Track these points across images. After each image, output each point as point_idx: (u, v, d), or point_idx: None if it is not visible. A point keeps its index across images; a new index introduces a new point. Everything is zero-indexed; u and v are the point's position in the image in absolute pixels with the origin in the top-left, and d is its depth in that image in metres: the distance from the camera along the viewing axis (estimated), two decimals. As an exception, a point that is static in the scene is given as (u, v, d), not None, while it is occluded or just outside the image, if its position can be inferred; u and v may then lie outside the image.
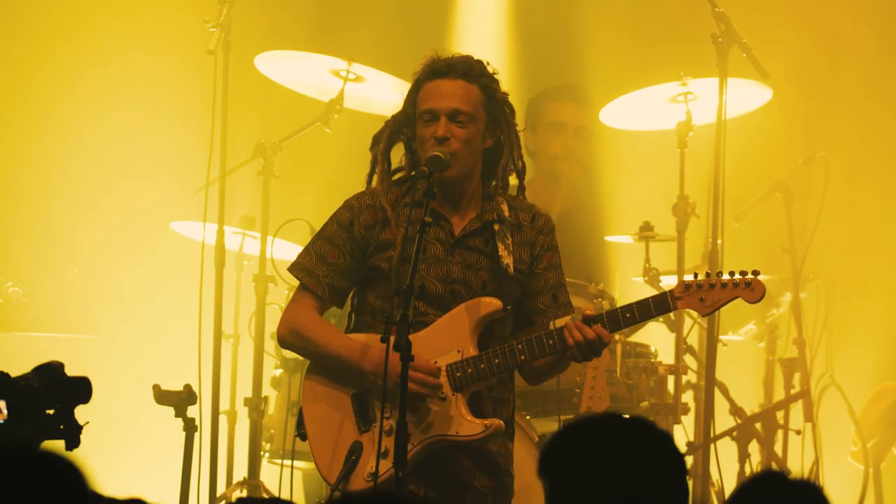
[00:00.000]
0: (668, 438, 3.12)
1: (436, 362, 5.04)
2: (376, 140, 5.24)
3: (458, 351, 5.05)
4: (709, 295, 5.03)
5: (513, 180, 5.29)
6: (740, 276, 5.03)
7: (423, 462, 5.03)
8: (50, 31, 8.97)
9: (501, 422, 5.04)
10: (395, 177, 5.23)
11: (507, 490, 5.17)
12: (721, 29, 6.69)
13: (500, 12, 9.31)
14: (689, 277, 5.11)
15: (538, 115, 7.96)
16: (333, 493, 5.07)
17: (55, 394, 3.91)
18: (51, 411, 3.89)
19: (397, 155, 5.27)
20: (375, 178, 5.23)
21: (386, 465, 4.99)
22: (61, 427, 3.84)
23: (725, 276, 5.04)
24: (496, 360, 5.03)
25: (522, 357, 5.01)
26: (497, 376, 5.07)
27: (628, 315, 5.00)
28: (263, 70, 7.52)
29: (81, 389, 3.94)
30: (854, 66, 8.89)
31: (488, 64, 5.20)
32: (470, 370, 5.03)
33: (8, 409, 3.83)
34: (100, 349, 8.57)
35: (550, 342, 5.01)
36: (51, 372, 3.90)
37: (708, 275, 5.06)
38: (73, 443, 3.85)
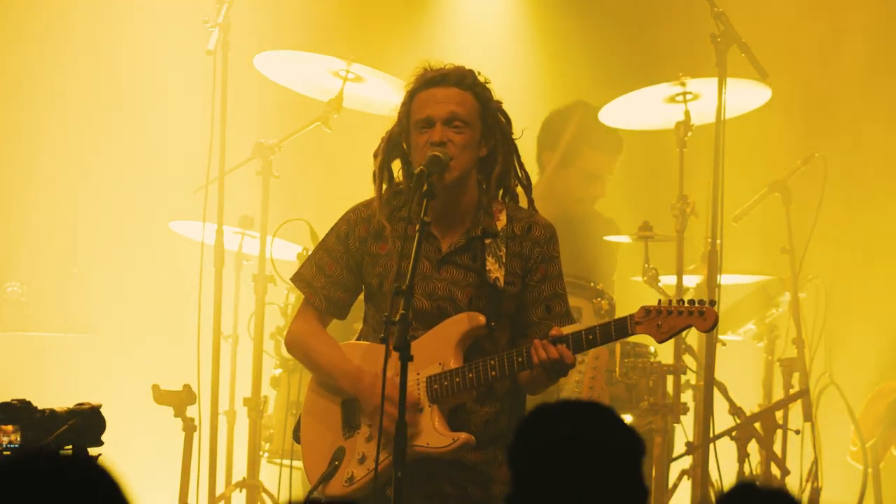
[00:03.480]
0: (622, 424, 3.15)
1: (418, 373, 5.06)
2: (377, 155, 5.26)
3: (440, 363, 5.08)
4: (665, 321, 5.06)
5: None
6: (695, 305, 5.05)
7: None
8: (49, 30, 8.97)
9: (471, 436, 5.04)
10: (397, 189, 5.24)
11: (493, 498, 5.17)
12: (720, 29, 6.69)
13: (500, 13, 9.32)
14: (671, 289, 5.13)
15: (573, 155, 7.91)
16: (311, 494, 5.11)
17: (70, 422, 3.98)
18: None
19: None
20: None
21: (362, 471, 5.06)
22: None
23: (682, 304, 5.06)
24: (470, 375, 5.06)
25: (493, 373, 5.04)
26: (474, 390, 5.08)
27: (591, 337, 5.02)
28: (263, 70, 7.52)
29: (93, 421, 4.02)
30: (853, 66, 8.89)
31: (479, 73, 5.21)
32: (447, 383, 5.06)
33: (22, 434, 3.90)
34: (99, 349, 8.58)
35: (519, 360, 5.02)
36: (82, 409, 3.98)
37: (669, 301, 5.09)
38: None
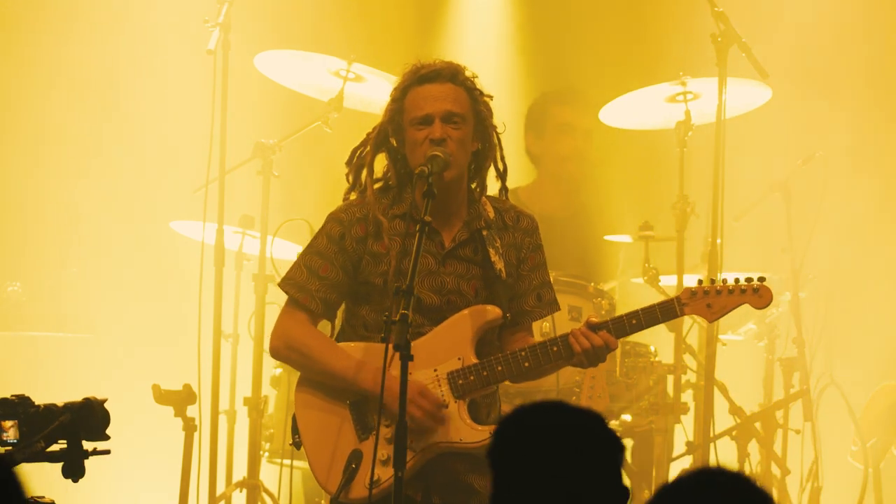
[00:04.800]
0: (600, 420, 3.16)
1: (436, 369, 5.05)
2: (357, 153, 5.24)
3: (459, 358, 5.06)
4: (716, 301, 5.04)
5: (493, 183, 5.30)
6: (747, 283, 5.03)
7: (423, 469, 5.03)
8: (49, 29, 8.97)
9: None
10: (376, 186, 5.22)
11: None
12: (720, 28, 6.70)
13: (500, 12, 9.32)
14: (694, 283, 5.13)
15: (544, 118, 7.99)
16: (336, 500, 5.06)
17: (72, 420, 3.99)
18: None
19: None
20: (354, 193, 5.24)
21: (387, 473, 4.98)
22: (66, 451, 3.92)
23: (731, 282, 5.04)
24: (499, 368, 5.04)
25: (527, 364, 5.03)
26: (498, 383, 5.09)
27: (634, 322, 5.02)
28: (263, 70, 7.52)
29: (89, 416, 4.02)
30: (854, 66, 8.88)
31: (466, 69, 5.21)
32: (472, 378, 5.04)
33: (20, 429, 3.91)
34: (99, 348, 8.57)
35: (555, 349, 5.02)
36: (74, 404, 3.99)
37: (713, 281, 5.06)
38: (73, 470, 3.93)
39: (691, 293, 5.05)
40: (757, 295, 5.04)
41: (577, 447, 3.10)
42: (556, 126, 7.99)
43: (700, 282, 5.09)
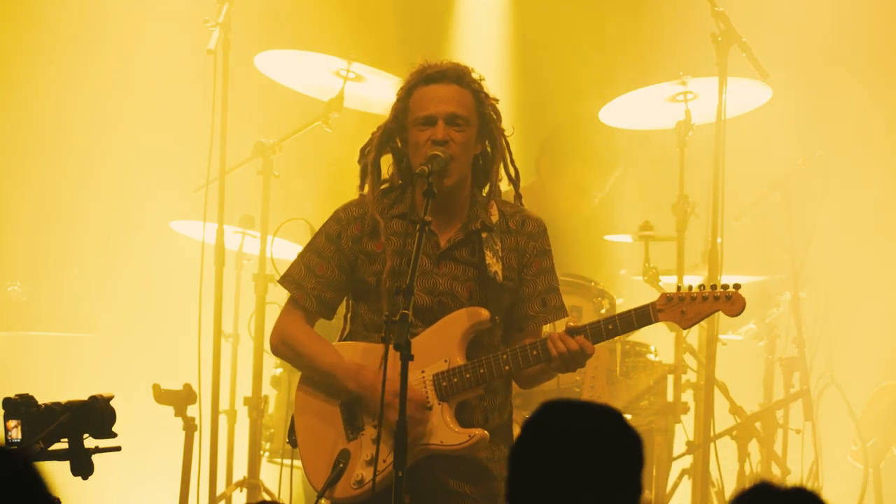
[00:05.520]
0: (620, 418, 3.16)
1: (423, 371, 5.05)
2: (365, 151, 5.24)
3: (445, 360, 5.07)
4: (690, 308, 5.05)
5: (505, 186, 5.29)
6: (721, 290, 5.04)
7: (410, 472, 5.03)
8: (49, 29, 8.97)
9: (486, 432, 5.05)
10: (384, 186, 5.23)
11: (496, 495, 5.17)
12: (720, 28, 6.70)
13: (500, 12, 9.32)
14: (671, 287, 5.13)
15: (564, 165, 8.00)
16: (318, 501, 5.08)
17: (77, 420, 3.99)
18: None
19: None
20: (367, 186, 5.25)
21: (371, 473, 5.01)
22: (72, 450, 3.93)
23: (707, 289, 5.05)
24: (481, 371, 5.04)
25: (507, 367, 5.04)
26: (483, 386, 5.08)
27: (610, 327, 5.02)
28: (263, 69, 7.52)
29: (90, 415, 4.03)
30: (854, 66, 8.89)
31: (473, 70, 5.21)
32: (456, 380, 5.05)
33: (22, 429, 3.92)
34: (99, 348, 8.58)
35: (534, 353, 5.02)
36: (74, 403, 4.00)
37: (690, 287, 5.07)
38: (80, 468, 3.94)
39: (667, 299, 5.06)
40: (729, 302, 5.04)
41: (599, 448, 3.10)
42: (573, 185, 8.02)
43: (679, 288, 5.09)
